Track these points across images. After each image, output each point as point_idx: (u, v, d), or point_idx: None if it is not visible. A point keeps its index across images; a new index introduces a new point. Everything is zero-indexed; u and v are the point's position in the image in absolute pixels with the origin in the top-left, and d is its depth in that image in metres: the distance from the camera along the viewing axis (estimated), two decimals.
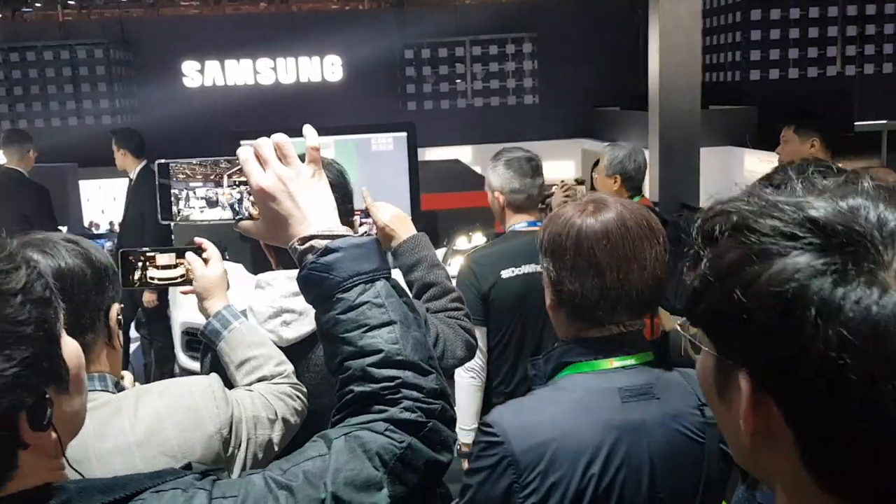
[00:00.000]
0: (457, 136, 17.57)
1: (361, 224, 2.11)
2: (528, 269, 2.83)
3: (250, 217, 1.12)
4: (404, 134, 4.00)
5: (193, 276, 1.67)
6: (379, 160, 4.01)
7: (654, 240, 1.46)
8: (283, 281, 1.73)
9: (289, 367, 1.59)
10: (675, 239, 3.86)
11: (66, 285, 1.29)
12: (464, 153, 18.52)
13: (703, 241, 0.70)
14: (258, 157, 1.06)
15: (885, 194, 0.64)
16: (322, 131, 3.73)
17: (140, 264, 1.71)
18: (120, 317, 1.39)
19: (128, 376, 1.72)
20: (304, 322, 1.68)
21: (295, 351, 1.67)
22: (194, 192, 1.10)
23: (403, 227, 2.02)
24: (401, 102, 17.07)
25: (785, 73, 14.03)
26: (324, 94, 17.42)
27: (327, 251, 1.02)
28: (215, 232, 1.55)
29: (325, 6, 23.19)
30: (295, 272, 1.65)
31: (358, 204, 2.05)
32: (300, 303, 1.64)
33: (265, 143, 1.06)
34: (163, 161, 1.11)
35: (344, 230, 1.07)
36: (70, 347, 0.88)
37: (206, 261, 1.68)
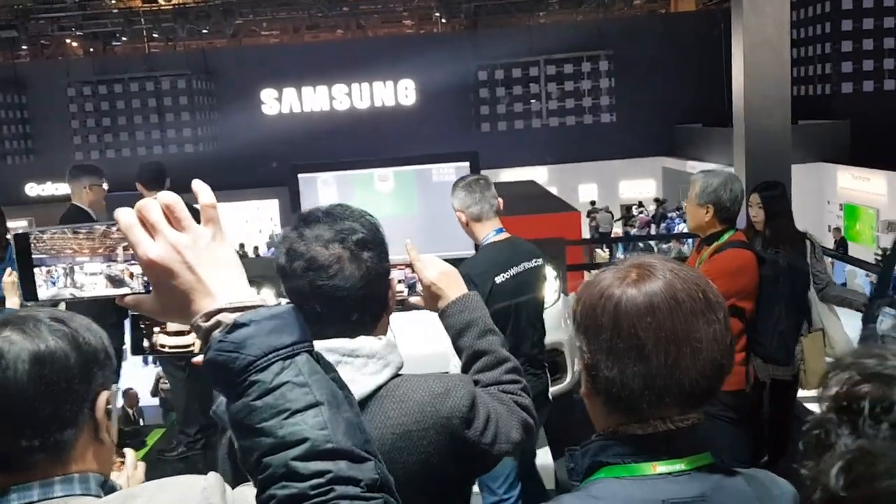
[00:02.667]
0: (532, 157, 17.32)
1: (403, 280, 1.87)
2: (514, 271, 3.20)
3: (146, 290, 0.92)
4: (467, 163, 3.78)
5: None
6: (441, 191, 3.80)
7: (711, 316, 1.12)
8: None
9: None
10: (772, 279, 3.48)
11: (45, 371, 1.11)
12: (539, 174, 18.24)
13: (841, 421, 0.45)
14: (143, 222, 0.89)
15: None
16: (381, 163, 3.52)
17: (150, 330, 1.54)
18: (110, 406, 1.20)
19: (129, 455, 1.55)
20: None
21: None
22: (81, 268, 0.91)
23: (453, 286, 1.74)
24: (474, 124, 16.96)
25: (880, 85, 13.26)
26: (398, 118, 17.49)
27: (236, 326, 0.85)
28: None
29: (400, 31, 23.44)
30: (326, 343, 1.45)
31: (396, 254, 1.82)
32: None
33: (151, 206, 0.88)
34: (20, 233, 0.92)
35: (257, 300, 0.90)
36: None
37: None
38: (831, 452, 0.46)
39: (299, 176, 3.82)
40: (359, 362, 1.45)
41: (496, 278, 3.13)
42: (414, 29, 22.56)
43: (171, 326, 1.57)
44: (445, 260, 1.86)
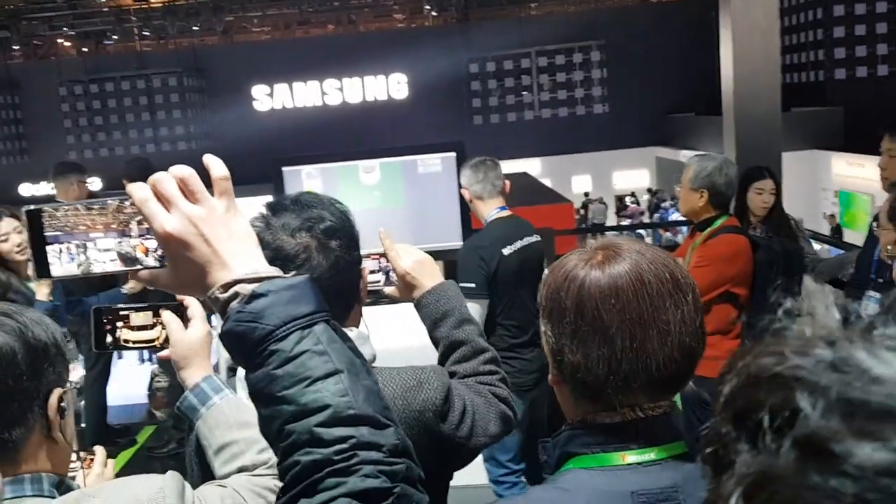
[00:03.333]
0: (525, 149, 17.26)
1: (379, 270, 1.82)
2: (519, 244, 3.41)
3: (161, 264, 0.91)
4: (453, 154, 3.74)
5: (171, 339, 1.45)
6: (426, 182, 3.77)
7: (680, 298, 1.07)
8: None
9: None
10: (766, 264, 3.45)
11: None
12: (533, 165, 18.18)
13: (738, 435, 0.39)
14: (158, 195, 0.88)
15: None
16: (366, 154, 3.51)
17: (114, 324, 1.51)
18: (63, 403, 1.16)
19: (99, 453, 1.51)
20: None
21: None
22: (94, 244, 0.90)
23: (428, 275, 1.69)
24: (467, 117, 16.90)
25: (874, 71, 13.22)
26: (390, 112, 17.43)
27: (254, 296, 0.86)
28: None
29: (391, 25, 23.35)
30: None
31: (375, 246, 1.78)
32: None
33: (165, 179, 0.88)
34: (32, 208, 0.91)
35: (273, 271, 0.90)
36: None
37: (187, 320, 1.45)
38: (731, 472, 0.39)
39: (284, 169, 3.78)
40: None
41: (503, 250, 3.35)
42: (405, 23, 22.47)
43: (135, 321, 1.53)
44: (431, 252, 1.82)
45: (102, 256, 0.90)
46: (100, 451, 1.52)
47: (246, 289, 0.86)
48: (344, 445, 0.82)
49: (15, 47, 18.68)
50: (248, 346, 0.86)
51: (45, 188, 17.90)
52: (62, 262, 0.92)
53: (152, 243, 0.89)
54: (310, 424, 0.83)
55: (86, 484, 1.41)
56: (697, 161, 3.42)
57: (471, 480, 1.99)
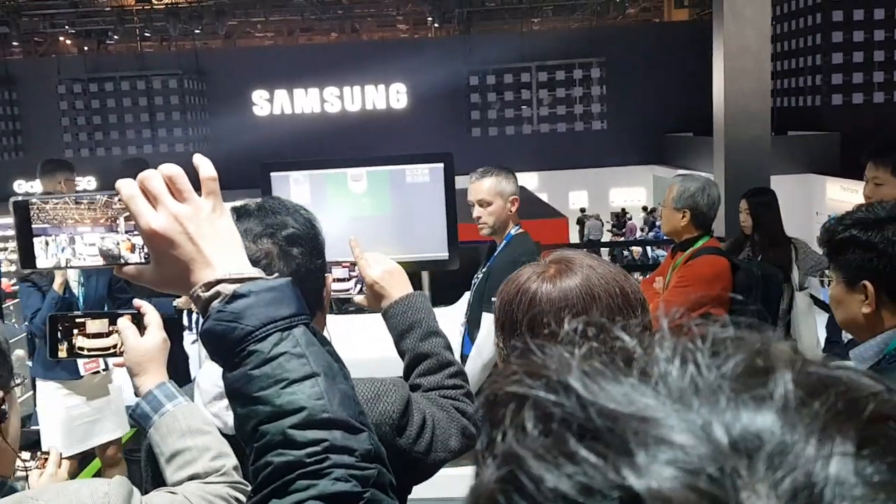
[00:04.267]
0: (522, 163, 17.27)
1: (349, 279, 1.81)
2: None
3: (146, 261, 0.91)
4: (441, 165, 3.73)
5: (124, 346, 1.43)
6: (414, 192, 3.76)
7: (629, 313, 1.10)
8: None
9: (229, 463, 1.32)
10: (745, 287, 3.47)
11: None
12: (530, 179, 18.20)
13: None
14: (146, 192, 0.89)
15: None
16: (354, 162, 3.48)
17: (70, 332, 1.49)
18: (5, 406, 1.15)
19: (52, 454, 1.50)
20: None
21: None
22: (81, 238, 0.91)
23: (397, 285, 1.68)
24: (465, 129, 16.93)
25: (870, 98, 13.28)
26: (388, 122, 17.46)
27: (236, 296, 0.87)
28: None
29: (393, 35, 23.43)
30: None
31: (346, 255, 1.77)
32: None
33: (153, 177, 0.89)
34: (20, 199, 0.92)
35: (255, 272, 0.91)
36: None
37: (144, 328, 1.44)
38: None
39: (272, 175, 3.77)
40: None
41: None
42: (408, 33, 22.55)
43: (91, 328, 1.52)
44: (417, 262, 1.80)
45: (88, 251, 0.91)
46: (53, 451, 1.51)
47: (228, 288, 0.87)
48: (316, 448, 0.83)
49: (14, 43, 18.69)
50: (227, 345, 0.87)
51: (40, 185, 17.87)
52: (48, 255, 0.92)
53: (139, 240, 0.90)
54: (284, 426, 0.83)
55: (38, 484, 1.40)
56: (680, 181, 3.44)
57: (434, 493, 1.96)
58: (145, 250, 0.91)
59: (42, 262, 0.93)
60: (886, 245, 1.66)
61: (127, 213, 0.90)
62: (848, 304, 1.74)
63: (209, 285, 0.88)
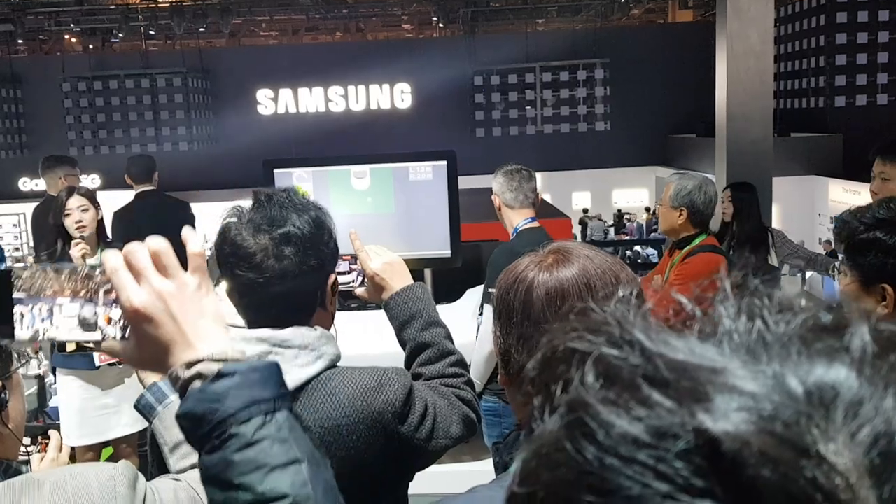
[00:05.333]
0: (526, 163, 17.20)
1: (351, 271, 1.84)
2: None
3: (124, 335, 0.88)
4: (444, 163, 3.76)
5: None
6: (417, 190, 3.78)
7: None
8: (238, 343, 1.45)
9: None
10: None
11: None
12: None
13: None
14: (130, 266, 0.86)
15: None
16: (357, 160, 3.51)
17: None
18: (5, 394, 1.17)
19: (54, 438, 1.52)
20: None
21: None
22: (60, 309, 0.88)
23: (398, 277, 1.71)
24: (469, 129, 16.94)
25: (873, 100, 13.27)
26: (393, 121, 17.47)
27: (220, 375, 0.83)
28: None
29: (399, 35, 23.43)
30: (256, 332, 1.42)
31: (347, 249, 1.79)
32: None
33: (138, 251, 0.86)
34: (2, 269, 0.89)
35: (236, 353, 0.87)
36: None
37: None
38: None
39: (275, 171, 3.79)
40: (290, 353, 1.42)
41: None
42: (413, 34, 22.57)
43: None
44: (420, 260, 1.81)
45: (67, 323, 0.88)
46: (54, 436, 1.53)
47: (210, 368, 0.84)
48: None
49: (19, 41, 18.73)
50: (206, 427, 0.83)
51: (43, 184, 17.90)
52: (23, 326, 0.89)
53: (116, 313, 0.87)
54: None
55: (39, 468, 1.42)
56: (678, 179, 3.47)
57: (433, 489, 1.98)
58: (122, 323, 0.88)
59: (19, 332, 0.90)
60: None
61: (108, 286, 0.87)
62: (863, 301, 1.70)
63: (190, 365, 0.85)
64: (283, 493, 0.80)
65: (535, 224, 3.41)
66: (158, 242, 0.87)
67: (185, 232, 0.89)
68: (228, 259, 1.40)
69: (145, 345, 0.87)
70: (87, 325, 0.89)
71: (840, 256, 2.77)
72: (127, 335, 0.89)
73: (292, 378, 1.40)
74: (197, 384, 0.84)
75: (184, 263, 0.89)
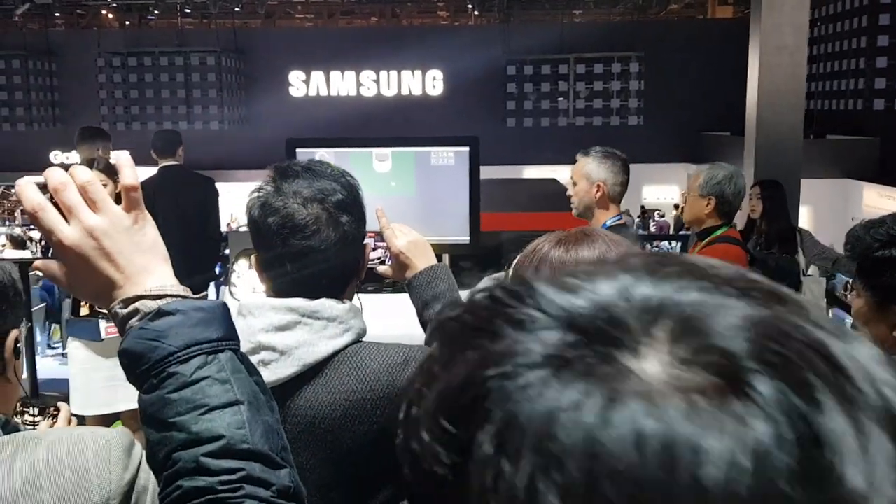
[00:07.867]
0: (556, 155, 17.16)
1: (375, 248, 1.83)
2: None
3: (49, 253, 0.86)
4: (466, 148, 3.74)
5: None
6: (439, 174, 3.77)
7: None
8: (268, 312, 1.42)
9: None
10: None
11: None
12: (563, 173, 18.05)
13: None
14: (60, 202, 0.82)
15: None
16: (379, 142, 3.51)
17: None
18: (19, 345, 1.19)
19: (63, 409, 1.53)
20: (285, 364, 1.40)
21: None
22: None
23: (422, 256, 1.69)
24: (500, 118, 16.86)
25: None
26: (423, 108, 17.45)
27: (160, 314, 0.81)
28: None
29: (434, 21, 23.37)
30: (286, 301, 1.42)
31: (372, 226, 1.78)
32: (284, 340, 1.41)
33: (67, 186, 0.81)
34: None
35: (180, 290, 0.85)
36: None
37: None
38: None
39: (297, 151, 3.80)
40: (318, 325, 1.42)
41: None
42: (448, 21, 22.49)
43: None
44: (439, 244, 1.81)
45: (9, 244, 0.87)
46: (63, 407, 1.55)
47: (149, 305, 0.82)
48: (231, 476, 0.78)
49: (56, 14, 18.95)
50: (145, 365, 0.81)
51: (75, 156, 18.15)
52: None
53: (36, 234, 0.86)
54: (198, 454, 0.79)
55: None
56: (708, 169, 3.42)
57: None
58: (43, 243, 0.87)
59: None
60: None
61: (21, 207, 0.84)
62: (876, 323, 1.58)
63: (127, 302, 0.83)
64: (218, 434, 0.79)
65: (620, 221, 3.28)
66: (85, 173, 0.83)
67: (119, 155, 0.87)
68: (280, 230, 1.40)
69: (82, 281, 0.85)
70: (16, 240, 0.88)
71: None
72: (50, 254, 0.86)
73: (319, 350, 1.40)
74: (136, 322, 0.82)
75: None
